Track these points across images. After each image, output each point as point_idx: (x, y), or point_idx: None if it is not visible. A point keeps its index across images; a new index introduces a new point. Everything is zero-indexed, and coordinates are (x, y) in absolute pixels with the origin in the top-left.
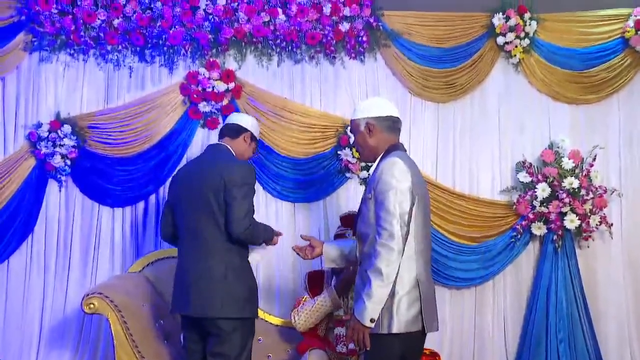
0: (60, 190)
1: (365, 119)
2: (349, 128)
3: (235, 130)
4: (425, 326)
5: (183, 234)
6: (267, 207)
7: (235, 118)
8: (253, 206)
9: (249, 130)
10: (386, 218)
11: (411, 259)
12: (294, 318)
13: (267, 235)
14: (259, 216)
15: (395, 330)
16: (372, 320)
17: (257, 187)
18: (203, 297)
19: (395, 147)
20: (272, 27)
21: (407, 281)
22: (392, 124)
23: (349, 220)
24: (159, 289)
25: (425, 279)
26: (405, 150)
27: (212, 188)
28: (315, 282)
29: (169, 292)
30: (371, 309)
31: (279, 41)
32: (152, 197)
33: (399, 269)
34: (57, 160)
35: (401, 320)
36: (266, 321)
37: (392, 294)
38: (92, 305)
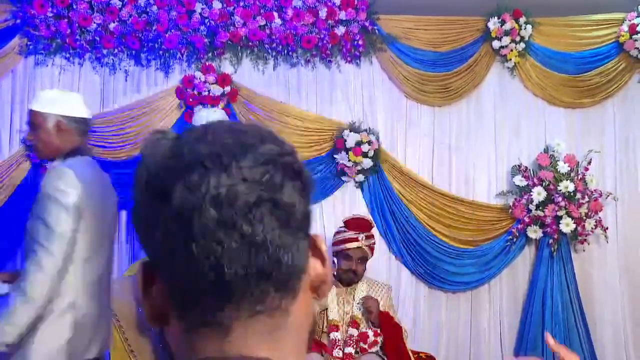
0: None
1: (56, 115)
2: (345, 132)
3: None
4: (72, 357)
5: None
6: None
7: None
8: None
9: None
10: (44, 233)
11: (68, 282)
12: None
13: None
14: None
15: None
16: (7, 345)
17: None
18: None
19: (77, 151)
20: (268, 31)
21: (57, 306)
22: (85, 127)
23: (354, 223)
24: None
25: (85, 304)
26: (88, 155)
27: None
28: None
29: None
30: (7, 332)
31: (274, 45)
32: None
33: (50, 292)
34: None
35: (39, 350)
36: None
37: (40, 319)
38: None
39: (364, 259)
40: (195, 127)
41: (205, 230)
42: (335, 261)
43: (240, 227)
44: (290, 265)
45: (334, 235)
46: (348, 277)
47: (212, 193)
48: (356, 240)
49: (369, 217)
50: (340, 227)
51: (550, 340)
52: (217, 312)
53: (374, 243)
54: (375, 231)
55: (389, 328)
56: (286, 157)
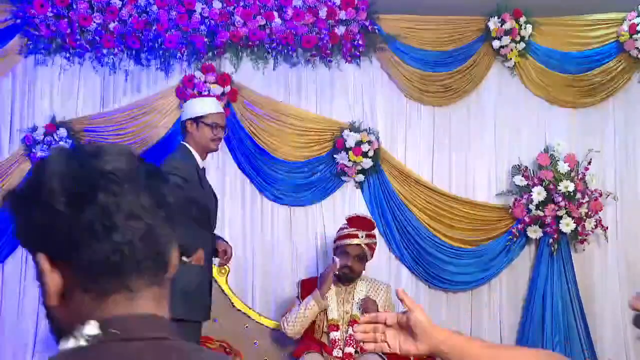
0: None
1: None
2: (345, 132)
3: (182, 129)
4: None
5: None
6: (263, 211)
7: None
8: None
9: (186, 119)
10: None
11: None
12: (283, 325)
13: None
14: (256, 219)
15: None
16: None
17: (254, 190)
18: None
19: None
20: (268, 31)
21: None
22: None
23: (355, 221)
24: None
25: None
26: None
27: None
28: (308, 289)
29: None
30: None
31: (274, 45)
32: None
33: None
34: None
35: None
36: (262, 325)
37: None
38: None
39: (362, 257)
40: (89, 145)
41: (123, 224)
42: (337, 259)
43: (144, 221)
44: (170, 249)
45: (337, 233)
46: (343, 274)
47: (126, 198)
48: (355, 237)
49: (372, 218)
50: (343, 224)
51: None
52: (128, 283)
53: (375, 244)
54: (375, 231)
55: None
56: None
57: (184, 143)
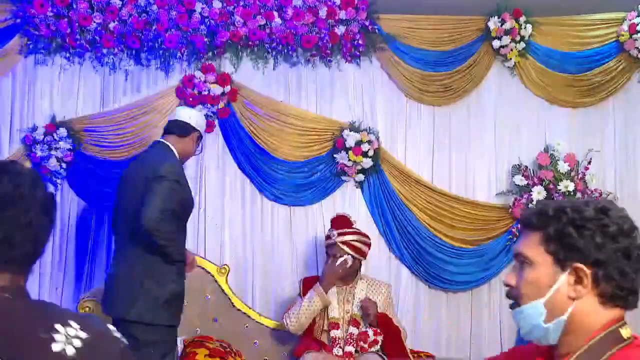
0: (55, 194)
1: None
2: (345, 131)
3: (185, 129)
4: None
5: (117, 237)
6: (263, 211)
7: (185, 114)
8: (172, 204)
9: (198, 130)
10: None
11: None
12: (286, 321)
13: (180, 251)
14: (256, 219)
15: None
16: None
17: (254, 190)
18: (118, 297)
19: None
20: (268, 31)
21: None
22: None
23: (334, 221)
24: None
25: None
26: None
27: (140, 189)
28: (310, 287)
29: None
30: None
31: (274, 44)
32: None
33: None
34: (52, 164)
35: None
36: (262, 325)
37: None
38: (87, 309)
39: (341, 255)
40: None
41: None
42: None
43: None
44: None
45: None
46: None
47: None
48: (329, 237)
49: (348, 215)
50: None
51: None
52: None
53: (356, 240)
54: (374, 230)
55: (387, 331)
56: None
57: (168, 143)
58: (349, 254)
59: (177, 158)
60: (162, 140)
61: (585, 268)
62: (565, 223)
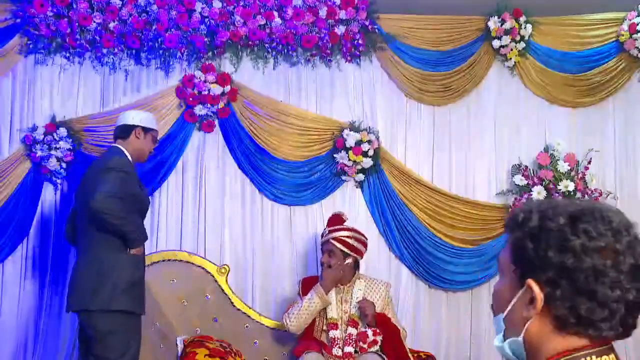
0: (55, 194)
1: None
2: (345, 131)
3: (124, 130)
4: None
5: (77, 235)
6: (263, 211)
7: (121, 118)
8: (120, 192)
9: (137, 125)
10: None
11: None
12: (286, 321)
13: (141, 230)
14: (256, 219)
15: None
16: None
17: (254, 190)
18: (78, 290)
19: None
20: (268, 30)
21: None
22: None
23: (329, 220)
24: (153, 293)
25: None
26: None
27: (93, 185)
28: (309, 288)
29: (162, 297)
30: None
31: (274, 44)
32: None
33: None
34: (52, 164)
35: None
36: (262, 324)
37: None
38: None
39: (332, 252)
40: None
41: None
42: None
43: None
44: None
45: None
46: (323, 270)
47: None
48: (322, 236)
49: (342, 213)
50: None
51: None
52: None
53: (348, 236)
54: (374, 230)
55: (385, 331)
56: None
57: (119, 147)
58: (341, 250)
59: (128, 157)
60: (114, 145)
61: (535, 287)
62: (525, 232)
